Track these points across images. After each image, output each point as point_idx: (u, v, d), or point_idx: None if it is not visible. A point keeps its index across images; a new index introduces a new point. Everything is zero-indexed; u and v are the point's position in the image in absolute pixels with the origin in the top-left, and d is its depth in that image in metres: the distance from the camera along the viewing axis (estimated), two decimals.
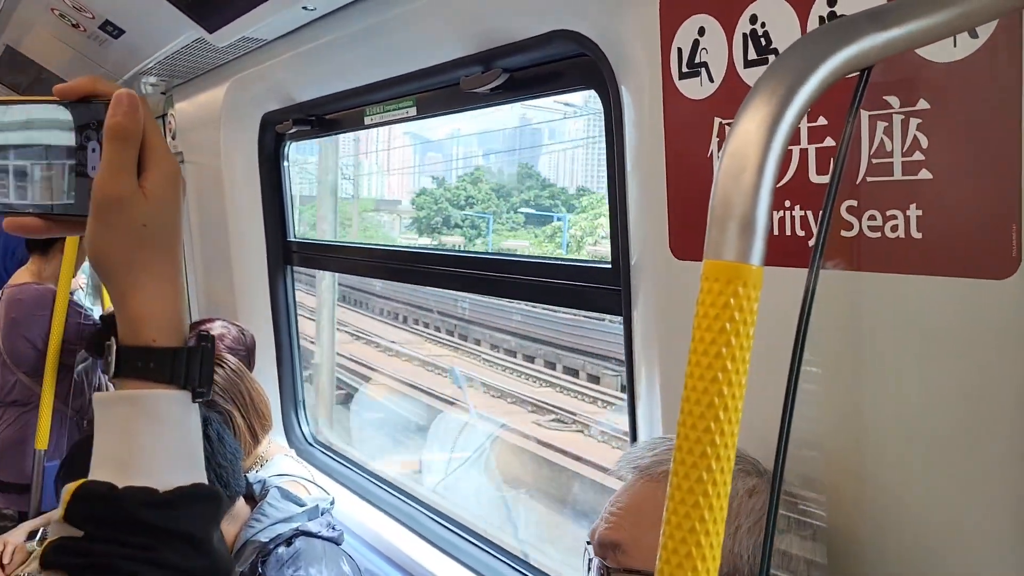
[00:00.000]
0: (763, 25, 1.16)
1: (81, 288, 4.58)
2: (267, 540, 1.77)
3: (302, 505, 1.91)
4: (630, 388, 1.57)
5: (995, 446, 0.96)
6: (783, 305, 1.19)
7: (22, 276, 3.58)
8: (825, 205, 0.75)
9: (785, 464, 0.75)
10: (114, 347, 0.76)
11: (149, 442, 0.74)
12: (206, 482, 0.77)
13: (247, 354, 2.78)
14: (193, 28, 2.35)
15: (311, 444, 3.05)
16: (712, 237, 0.67)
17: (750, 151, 0.67)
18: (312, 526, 1.86)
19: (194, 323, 2.86)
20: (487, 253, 2.14)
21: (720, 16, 1.22)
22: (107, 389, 2.61)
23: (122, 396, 0.75)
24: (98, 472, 0.73)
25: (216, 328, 2.77)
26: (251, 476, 1.97)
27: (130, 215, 0.75)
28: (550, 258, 1.95)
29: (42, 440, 3.07)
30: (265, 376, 2.96)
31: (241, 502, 1.84)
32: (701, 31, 1.25)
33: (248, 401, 2.27)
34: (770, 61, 1.16)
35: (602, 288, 1.67)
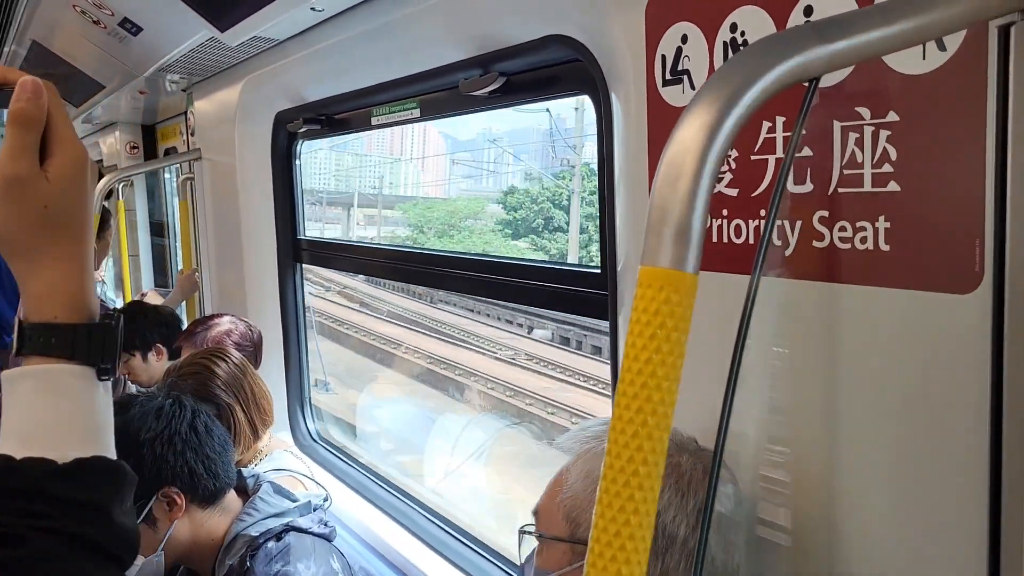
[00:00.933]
0: (743, 33, 1.16)
1: (101, 281, 4.65)
2: (257, 534, 1.79)
3: (295, 501, 1.92)
4: (615, 391, 1.57)
5: (957, 458, 0.95)
6: (760, 313, 1.20)
7: None
8: (769, 213, 0.75)
9: (722, 460, 0.75)
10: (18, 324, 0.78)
11: (51, 416, 0.77)
12: (111, 456, 0.78)
13: (254, 350, 2.82)
14: (205, 27, 2.38)
15: (315, 441, 3.07)
16: (648, 244, 0.68)
17: (687, 159, 0.67)
18: (303, 522, 1.87)
19: (202, 318, 2.89)
20: (489, 256, 2.15)
21: (702, 24, 1.22)
22: (123, 381, 2.66)
23: (25, 372, 0.77)
24: (3, 447, 0.75)
25: (224, 324, 2.81)
26: (247, 470, 2.00)
27: (31, 196, 0.77)
28: (543, 262, 1.95)
29: None
30: (272, 372, 3.00)
31: (233, 495, 1.85)
32: (684, 39, 1.25)
33: (250, 396, 2.30)
34: None
35: (591, 292, 1.67)
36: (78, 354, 0.78)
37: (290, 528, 1.84)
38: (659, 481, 0.66)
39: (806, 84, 0.74)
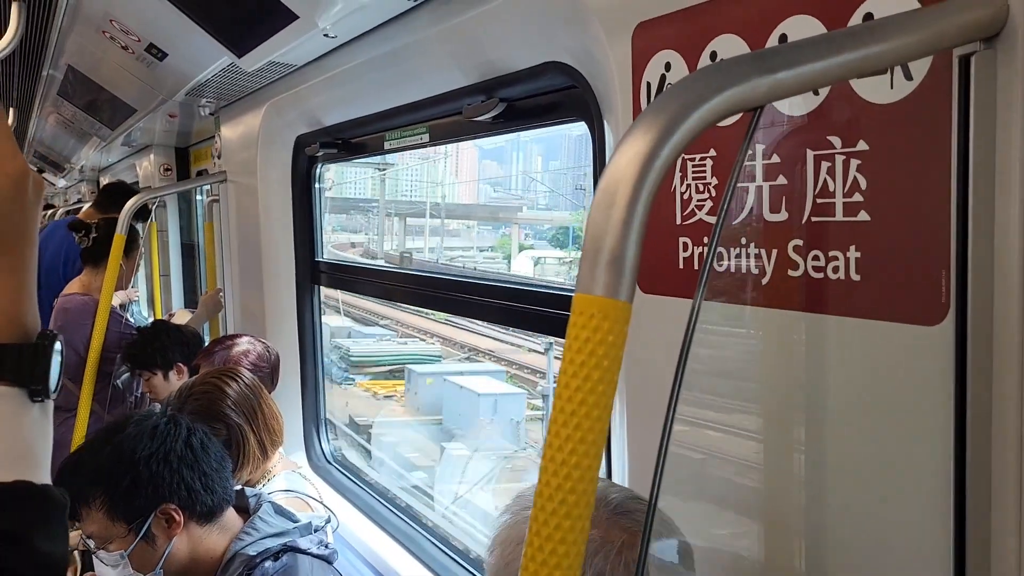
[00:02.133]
0: (720, 61, 1.16)
1: (134, 300, 4.74)
2: (255, 554, 1.79)
3: (296, 521, 1.93)
4: None
5: (922, 487, 0.94)
6: (745, 341, 1.19)
7: (72, 287, 3.73)
8: (712, 238, 0.75)
9: (660, 488, 0.75)
10: None
11: None
12: (42, 481, 0.77)
13: (271, 371, 2.84)
14: (225, 53, 2.43)
15: (330, 462, 3.09)
16: (581, 271, 0.68)
17: (621, 187, 0.67)
18: (302, 543, 1.87)
19: (221, 338, 2.93)
20: (497, 281, 2.16)
21: (684, 51, 1.22)
22: (147, 398, 2.70)
23: None
24: None
25: (242, 344, 2.84)
26: (250, 490, 2.01)
27: None
28: (551, 287, 1.95)
29: (78, 445, 3.17)
30: (289, 394, 3.02)
31: (232, 513, 1.86)
32: (668, 66, 1.26)
33: (259, 416, 2.31)
34: None
35: None
36: (6, 374, 0.76)
37: (289, 548, 1.84)
38: (589, 509, 0.66)
39: (751, 112, 0.75)
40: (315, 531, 1.94)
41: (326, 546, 1.95)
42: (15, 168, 0.78)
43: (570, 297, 1.79)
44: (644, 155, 0.68)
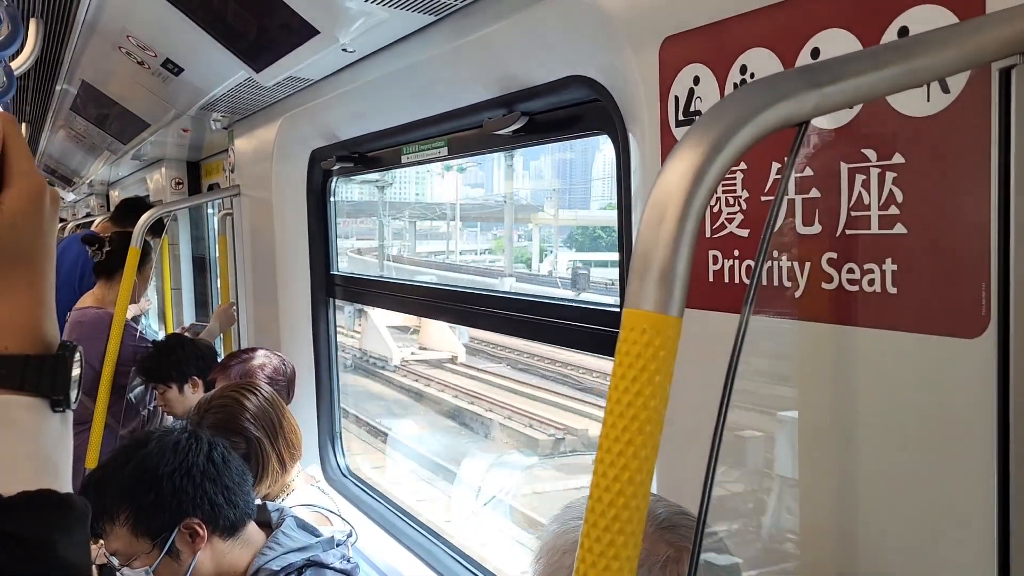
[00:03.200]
0: (752, 75, 1.17)
1: (146, 310, 4.75)
2: (278, 568, 1.79)
3: (318, 536, 1.93)
4: None
5: (966, 502, 0.93)
6: (777, 355, 1.19)
7: (85, 300, 3.74)
8: (759, 254, 0.75)
9: (709, 504, 0.74)
10: None
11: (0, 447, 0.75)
12: (64, 490, 0.77)
13: (287, 384, 2.85)
14: (242, 68, 2.44)
15: (345, 476, 3.09)
16: (631, 287, 0.68)
17: (671, 202, 0.68)
18: (325, 557, 1.87)
19: (237, 352, 2.93)
20: (515, 293, 2.15)
21: (713, 65, 1.23)
22: (160, 413, 2.70)
23: None
24: None
25: (258, 358, 2.84)
26: (272, 504, 2.01)
27: None
28: (567, 299, 1.95)
29: (92, 459, 3.17)
30: (304, 407, 3.02)
31: (255, 528, 1.86)
32: (696, 80, 1.26)
33: (278, 430, 2.31)
34: None
35: (611, 331, 1.67)
36: (28, 385, 0.76)
37: (312, 563, 1.84)
38: (642, 525, 0.66)
39: (797, 127, 0.75)
40: (338, 545, 1.94)
41: (349, 560, 1.95)
42: (33, 184, 0.79)
43: (605, 312, 1.79)
44: (695, 170, 0.68)
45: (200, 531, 1.72)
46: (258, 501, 1.97)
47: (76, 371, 0.81)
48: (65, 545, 0.74)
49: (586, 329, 1.79)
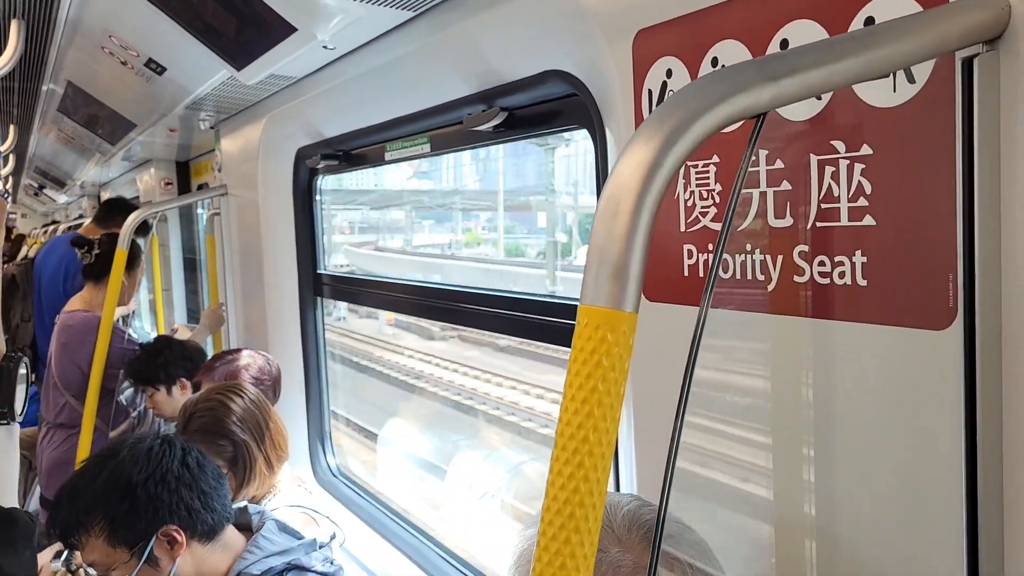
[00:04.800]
0: (723, 68, 1.16)
1: (133, 310, 4.74)
2: (258, 573, 1.76)
3: (300, 538, 1.90)
4: None
5: (934, 493, 0.93)
6: (752, 348, 1.18)
7: (74, 303, 3.72)
8: (717, 246, 0.74)
9: (668, 499, 0.74)
10: None
11: None
12: (8, 504, 0.76)
13: (272, 384, 2.84)
14: (224, 66, 2.42)
15: (335, 476, 3.08)
16: (585, 281, 0.67)
17: (624, 196, 0.67)
18: (306, 561, 1.84)
19: (221, 353, 2.92)
20: (504, 291, 2.14)
21: (685, 58, 1.22)
22: (150, 415, 2.67)
23: None
24: None
25: (243, 358, 2.83)
26: (253, 507, 1.99)
27: None
28: (558, 297, 1.94)
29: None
30: (293, 407, 3.01)
31: (233, 531, 1.84)
32: (669, 73, 1.25)
33: (264, 432, 2.30)
34: None
35: None
36: None
37: (293, 567, 1.81)
38: (598, 523, 0.66)
39: (755, 119, 0.74)
40: (320, 548, 1.92)
41: (332, 563, 1.93)
42: None
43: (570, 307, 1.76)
44: (647, 164, 0.67)
45: (178, 537, 1.70)
46: (241, 504, 1.96)
47: (22, 383, 0.79)
48: (10, 561, 0.73)
49: (570, 326, 1.78)
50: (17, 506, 0.77)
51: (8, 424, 0.76)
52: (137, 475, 1.68)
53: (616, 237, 0.66)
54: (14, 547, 0.74)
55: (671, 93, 1.25)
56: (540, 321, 1.96)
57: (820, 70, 0.73)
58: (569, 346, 2.00)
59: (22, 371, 0.78)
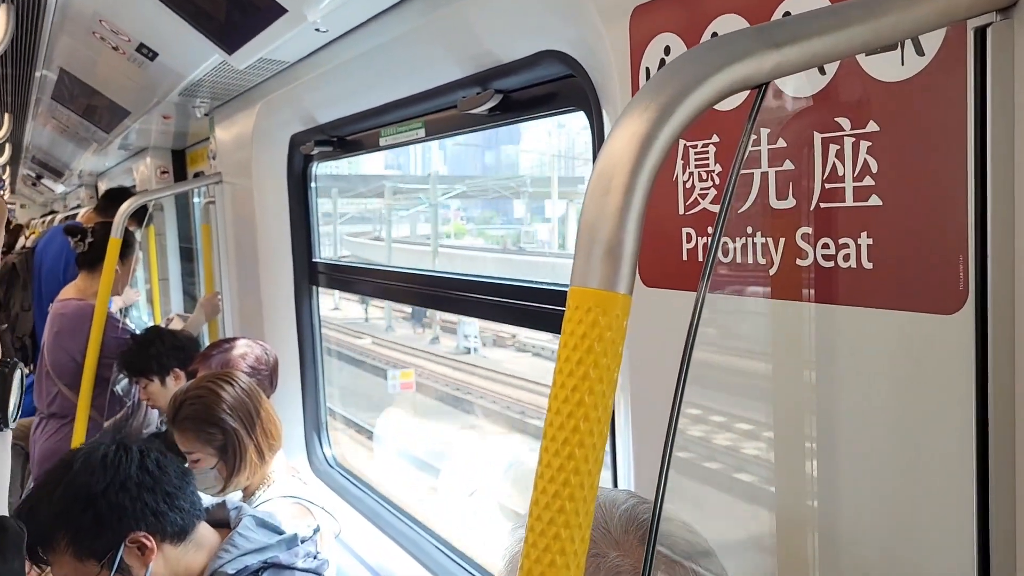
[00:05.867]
0: (721, 36, 1.11)
1: (135, 301, 4.71)
2: (233, 572, 1.72)
3: (280, 533, 1.85)
4: None
5: (945, 479, 0.89)
6: (753, 335, 1.14)
7: (67, 292, 3.69)
8: (716, 227, 0.70)
9: (665, 491, 0.70)
10: None
11: None
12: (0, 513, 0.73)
13: (269, 374, 2.80)
14: (215, 51, 2.39)
15: (331, 466, 3.05)
16: (577, 263, 0.64)
17: (617, 172, 0.63)
18: (284, 557, 1.79)
19: (218, 341, 2.89)
20: (499, 279, 2.10)
21: (684, 34, 1.18)
22: (144, 404, 2.62)
23: None
24: None
25: (240, 347, 2.79)
26: (231, 501, 1.91)
27: None
28: (555, 284, 1.90)
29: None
30: (289, 397, 2.98)
31: (207, 528, 1.79)
32: (667, 50, 1.21)
33: (256, 420, 2.27)
34: None
35: None
36: None
37: (270, 565, 1.77)
38: (589, 517, 0.62)
39: (755, 90, 0.70)
40: (302, 542, 1.87)
41: (315, 557, 1.87)
42: None
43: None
44: (641, 137, 0.63)
45: (148, 543, 1.64)
46: (219, 499, 1.91)
47: (16, 389, 0.75)
48: (6, 570, 0.70)
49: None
50: (6, 514, 0.73)
51: (1, 431, 0.73)
52: (96, 485, 1.62)
53: (608, 215, 0.62)
54: (3, 556, 0.71)
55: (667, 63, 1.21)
56: (538, 309, 1.92)
57: (824, 38, 0.69)
58: (557, 332, 1.96)
59: (17, 376, 0.74)
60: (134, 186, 5.57)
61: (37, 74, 3.81)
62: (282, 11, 1.89)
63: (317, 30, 2.09)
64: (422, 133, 2.22)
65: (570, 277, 0.64)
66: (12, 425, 0.75)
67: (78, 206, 9.00)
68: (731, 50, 0.66)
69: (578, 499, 0.61)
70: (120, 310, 4.10)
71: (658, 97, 0.64)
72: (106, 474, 1.65)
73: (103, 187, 7.29)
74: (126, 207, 3.28)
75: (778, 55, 0.67)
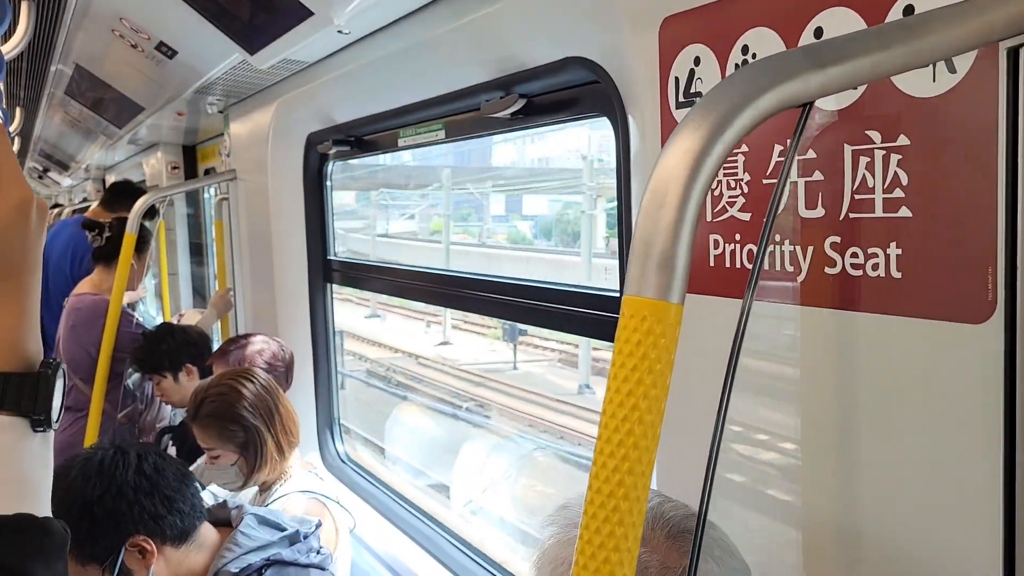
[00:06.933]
0: (754, 55, 1.14)
1: (142, 297, 4.73)
2: (236, 571, 1.74)
3: (283, 530, 1.87)
4: None
5: (970, 491, 0.92)
6: (778, 341, 1.17)
7: (83, 286, 3.72)
8: (761, 239, 0.73)
9: (710, 501, 0.73)
10: None
11: None
12: (42, 514, 0.74)
13: (285, 370, 2.83)
14: (237, 50, 2.41)
15: (344, 462, 3.08)
16: (631, 273, 0.66)
17: (671, 187, 0.66)
18: (288, 554, 1.82)
19: (235, 337, 2.92)
20: (515, 279, 2.13)
21: (714, 45, 1.20)
22: (158, 399, 2.63)
23: None
24: None
25: (256, 343, 2.83)
26: (232, 500, 1.94)
27: None
28: (567, 285, 1.92)
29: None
30: (302, 393, 3.01)
31: (209, 529, 1.81)
32: (697, 60, 1.24)
33: (276, 417, 2.30)
34: None
35: (612, 317, 1.65)
36: (8, 404, 0.73)
37: (273, 562, 1.79)
38: (642, 516, 0.65)
39: (800, 108, 0.73)
40: (304, 538, 1.89)
41: (318, 551, 1.89)
42: (18, 194, 0.76)
43: (604, 297, 1.77)
44: (694, 153, 0.66)
45: (148, 547, 1.67)
46: (229, 497, 1.93)
47: (59, 390, 0.77)
48: (43, 572, 0.71)
49: (585, 315, 1.77)
50: (49, 515, 0.75)
51: (44, 432, 0.74)
52: (91, 493, 1.64)
53: (663, 228, 0.65)
54: (47, 559, 0.72)
55: (699, 82, 1.24)
56: (550, 309, 1.95)
57: (868, 58, 0.72)
58: (580, 334, 2.00)
59: (60, 377, 0.76)
60: (143, 181, 5.60)
61: (52, 68, 3.83)
62: (308, 13, 1.92)
63: (340, 32, 2.12)
64: (442, 135, 2.25)
65: (624, 286, 0.67)
66: (55, 426, 0.77)
67: (84, 199, 9.02)
68: (780, 70, 0.69)
69: (632, 499, 0.64)
70: (129, 305, 4.13)
71: (710, 115, 0.67)
72: (102, 481, 1.66)
73: (112, 181, 7.33)
74: (143, 202, 3.31)
75: (824, 75, 0.70)
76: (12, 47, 2.81)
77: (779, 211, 0.74)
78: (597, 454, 0.65)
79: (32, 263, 0.78)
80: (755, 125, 0.68)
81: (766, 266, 1.17)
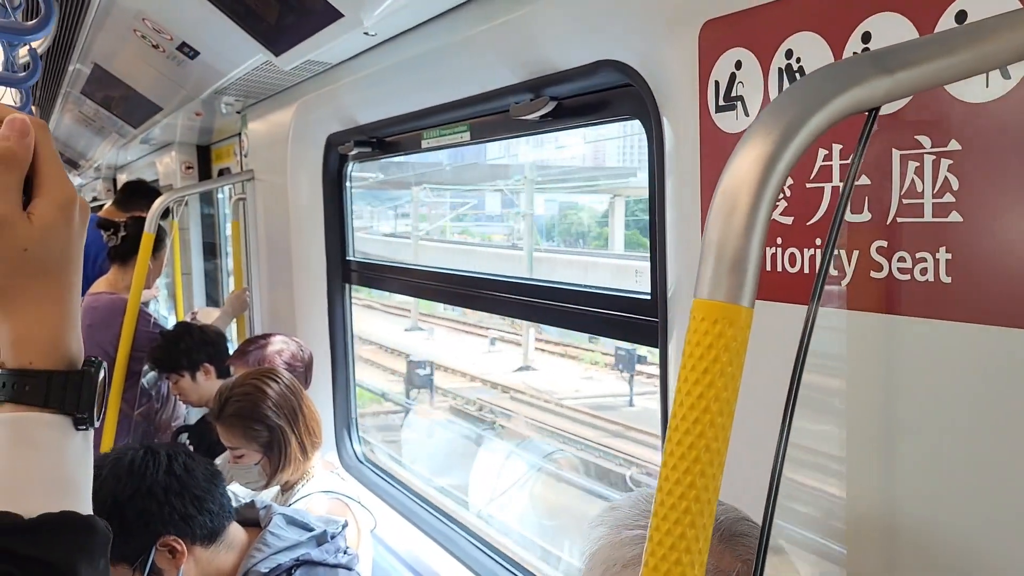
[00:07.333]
0: (798, 60, 1.15)
1: (155, 296, 4.74)
2: (266, 571, 1.75)
3: (311, 530, 1.88)
4: (664, 417, 1.56)
5: (1021, 500, 0.92)
6: (823, 346, 1.17)
7: (99, 286, 3.73)
8: (827, 244, 0.73)
9: (777, 497, 0.73)
10: None
11: (20, 466, 0.73)
12: (85, 512, 0.74)
13: (304, 370, 2.84)
14: (261, 51, 2.42)
15: (362, 462, 3.08)
16: (702, 276, 0.67)
17: (743, 190, 0.66)
18: (315, 554, 1.83)
19: (254, 337, 2.92)
20: (536, 279, 2.15)
21: (756, 50, 1.21)
22: (173, 398, 2.66)
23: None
24: None
25: (276, 343, 2.83)
26: (259, 500, 1.95)
27: (10, 238, 0.73)
28: (592, 287, 1.92)
29: (107, 445, 3.17)
30: (320, 393, 3.01)
31: (237, 528, 1.82)
32: (738, 65, 1.24)
33: (300, 417, 2.30)
34: None
35: (642, 319, 1.66)
36: (51, 402, 0.74)
37: (302, 562, 1.80)
38: (712, 518, 0.65)
39: (865, 114, 0.73)
40: (331, 538, 1.91)
41: (345, 552, 1.91)
42: (62, 194, 0.76)
43: (634, 299, 1.76)
44: (765, 159, 0.66)
45: (178, 547, 1.68)
46: (253, 497, 1.94)
47: (101, 388, 0.78)
48: (87, 569, 0.72)
49: (615, 317, 1.77)
50: (91, 513, 0.76)
51: (86, 430, 0.75)
52: (121, 493, 1.65)
53: (734, 232, 0.65)
54: (91, 556, 0.73)
55: (740, 86, 1.24)
56: (569, 309, 1.95)
57: (933, 64, 0.73)
58: (609, 337, 1.99)
59: (102, 375, 0.77)
60: (156, 180, 5.61)
61: (71, 68, 3.84)
62: (338, 15, 1.92)
63: (366, 33, 2.12)
64: (467, 136, 2.25)
65: (695, 289, 0.67)
66: (97, 424, 0.78)
67: (94, 200, 9.03)
68: (848, 75, 0.70)
69: (703, 500, 0.64)
70: (142, 304, 4.13)
71: (780, 120, 0.67)
72: (132, 481, 1.68)
73: (123, 181, 7.33)
74: (161, 202, 3.32)
75: (891, 80, 0.71)
76: (35, 46, 2.82)
77: (843, 218, 0.75)
78: (667, 456, 0.66)
79: (74, 262, 0.78)
80: (824, 130, 0.68)
81: (805, 270, 1.17)
